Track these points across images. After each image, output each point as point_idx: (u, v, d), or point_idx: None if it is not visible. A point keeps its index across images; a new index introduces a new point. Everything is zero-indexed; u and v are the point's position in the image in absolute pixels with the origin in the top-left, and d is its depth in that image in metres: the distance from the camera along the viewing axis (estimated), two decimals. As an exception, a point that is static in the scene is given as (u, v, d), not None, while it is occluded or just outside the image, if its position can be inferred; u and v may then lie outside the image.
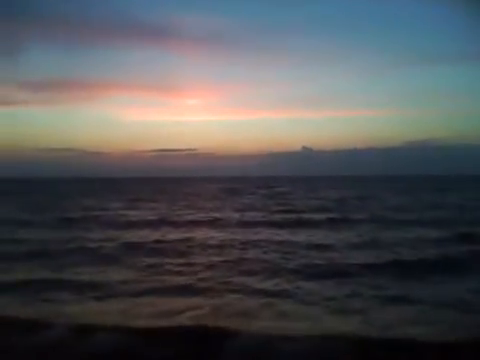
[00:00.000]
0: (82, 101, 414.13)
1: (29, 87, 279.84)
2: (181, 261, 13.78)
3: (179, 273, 12.17)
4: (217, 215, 28.26)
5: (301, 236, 18.80)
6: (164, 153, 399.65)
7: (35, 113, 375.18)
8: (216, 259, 13.96)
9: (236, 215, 28.42)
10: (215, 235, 19.39)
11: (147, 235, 19.53)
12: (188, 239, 18.21)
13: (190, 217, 27.52)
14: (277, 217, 26.73)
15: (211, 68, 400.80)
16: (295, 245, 16.52)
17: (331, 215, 26.39)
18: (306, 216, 26.67)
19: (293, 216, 26.54)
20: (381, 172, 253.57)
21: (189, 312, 8.58)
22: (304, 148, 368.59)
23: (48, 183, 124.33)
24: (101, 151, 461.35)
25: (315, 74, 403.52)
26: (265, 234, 19.70)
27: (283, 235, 19.24)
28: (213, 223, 24.20)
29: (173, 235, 19.52)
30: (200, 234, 19.83)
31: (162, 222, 24.59)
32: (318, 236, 18.76)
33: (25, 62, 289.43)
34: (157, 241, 17.68)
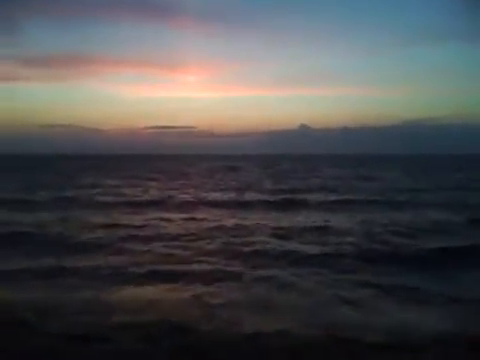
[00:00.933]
0: (82, 77, 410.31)
1: (29, 63, 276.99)
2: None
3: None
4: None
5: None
6: (163, 130, 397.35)
7: (35, 89, 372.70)
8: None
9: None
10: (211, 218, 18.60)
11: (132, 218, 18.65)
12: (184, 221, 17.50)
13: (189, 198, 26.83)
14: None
15: (211, 45, 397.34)
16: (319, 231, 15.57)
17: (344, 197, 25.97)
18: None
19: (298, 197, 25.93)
20: (378, 151, 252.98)
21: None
22: (302, 126, 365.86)
23: (47, 159, 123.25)
24: (100, 128, 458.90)
25: (314, 52, 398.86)
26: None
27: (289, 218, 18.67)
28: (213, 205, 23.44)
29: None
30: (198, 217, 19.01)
31: (157, 203, 23.96)
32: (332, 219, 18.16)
33: (25, 38, 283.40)
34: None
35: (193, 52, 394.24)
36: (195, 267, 10.58)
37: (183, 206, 22.67)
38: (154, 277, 9.66)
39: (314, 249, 12.40)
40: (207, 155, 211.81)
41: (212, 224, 16.72)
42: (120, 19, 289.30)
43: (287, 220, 17.96)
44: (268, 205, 22.93)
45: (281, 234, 14.65)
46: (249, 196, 27.09)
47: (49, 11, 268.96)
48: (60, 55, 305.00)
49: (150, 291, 8.80)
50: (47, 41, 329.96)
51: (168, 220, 17.83)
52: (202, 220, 17.82)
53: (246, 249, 12.42)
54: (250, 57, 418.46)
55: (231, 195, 27.87)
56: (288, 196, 26.20)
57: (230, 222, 17.14)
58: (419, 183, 36.41)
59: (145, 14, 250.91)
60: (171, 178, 45.38)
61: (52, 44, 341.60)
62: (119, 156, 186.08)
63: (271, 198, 25.62)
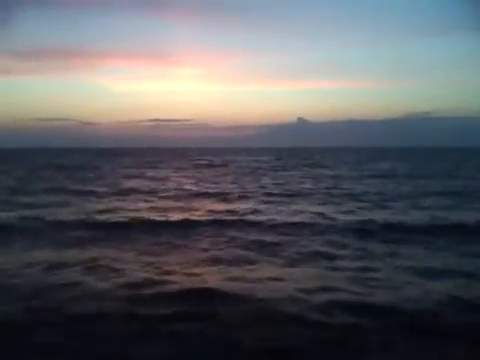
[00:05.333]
0: (77, 71, 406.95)
1: (23, 56, 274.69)
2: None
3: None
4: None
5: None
6: (160, 123, 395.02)
7: (29, 83, 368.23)
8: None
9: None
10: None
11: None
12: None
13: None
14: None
15: (208, 38, 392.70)
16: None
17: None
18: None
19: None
20: (380, 144, 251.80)
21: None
22: (299, 119, 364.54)
23: (44, 153, 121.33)
24: (96, 121, 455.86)
25: (313, 44, 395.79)
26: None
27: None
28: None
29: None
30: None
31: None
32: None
33: (19, 32, 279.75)
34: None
35: (190, 45, 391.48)
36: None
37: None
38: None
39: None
40: (205, 148, 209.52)
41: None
42: (116, 12, 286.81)
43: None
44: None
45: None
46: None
47: (42, 4, 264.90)
48: (54, 48, 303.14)
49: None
50: (41, 34, 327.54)
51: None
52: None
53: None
54: (248, 50, 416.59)
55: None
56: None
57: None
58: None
59: (142, 6, 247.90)
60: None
61: (46, 37, 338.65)
62: (116, 149, 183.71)
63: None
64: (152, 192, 23.46)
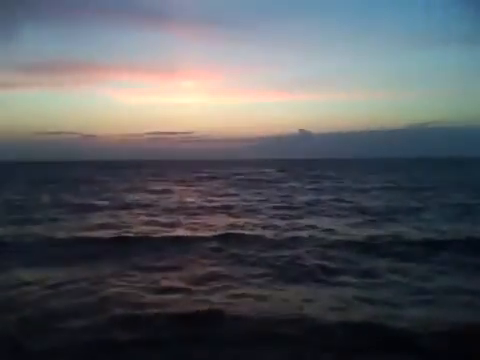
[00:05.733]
0: (80, 84, 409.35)
1: (27, 70, 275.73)
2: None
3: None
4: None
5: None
6: (160, 136, 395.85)
7: (33, 96, 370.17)
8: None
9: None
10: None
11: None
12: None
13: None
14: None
15: (208, 50, 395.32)
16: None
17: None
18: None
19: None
20: (382, 155, 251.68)
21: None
22: (301, 131, 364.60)
23: (46, 166, 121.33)
24: (98, 134, 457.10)
25: (314, 57, 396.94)
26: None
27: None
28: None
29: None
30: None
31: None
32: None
33: (24, 45, 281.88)
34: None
35: (192, 58, 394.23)
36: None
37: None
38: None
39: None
40: (206, 161, 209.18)
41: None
42: (119, 26, 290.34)
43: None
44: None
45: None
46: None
47: (47, 18, 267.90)
48: (59, 62, 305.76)
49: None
50: (46, 48, 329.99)
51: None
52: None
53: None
54: (249, 63, 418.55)
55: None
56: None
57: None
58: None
59: (144, 21, 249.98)
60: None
61: (51, 51, 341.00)
62: (121, 162, 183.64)
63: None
64: (153, 205, 23.08)
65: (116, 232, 14.66)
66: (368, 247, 12.17)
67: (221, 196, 28.65)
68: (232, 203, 23.86)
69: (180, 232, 14.91)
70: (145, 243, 13.02)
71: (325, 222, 16.78)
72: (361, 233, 14.21)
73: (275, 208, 21.53)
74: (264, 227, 15.75)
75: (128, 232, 14.74)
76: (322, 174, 60.91)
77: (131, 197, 27.91)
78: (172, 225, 16.49)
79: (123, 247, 12.41)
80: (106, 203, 24.07)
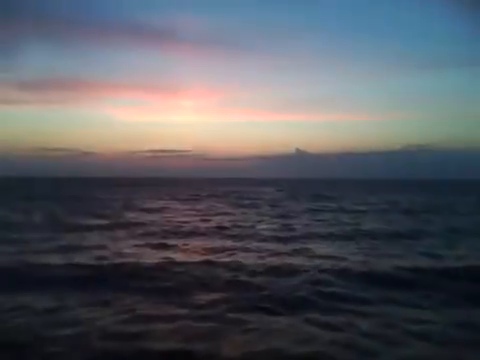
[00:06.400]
0: (78, 101, 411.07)
1: (25, 87, 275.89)
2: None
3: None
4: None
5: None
6: (159, 154, 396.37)
7: (31, 113, 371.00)
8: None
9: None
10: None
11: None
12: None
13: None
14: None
15: (207, 70, 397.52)
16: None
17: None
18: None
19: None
20: (378, 175, 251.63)
21: None
22: (297, 150, 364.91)
23: (45, 182, 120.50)
24: (97, 151, 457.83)
25: (311, 78, 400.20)
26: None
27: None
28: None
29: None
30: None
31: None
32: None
33: (23, 62, 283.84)
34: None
35: (189, 77, 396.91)
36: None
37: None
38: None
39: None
40: (203, 179, 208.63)
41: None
42: (117, 44, 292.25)
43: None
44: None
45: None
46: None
47: (49, 37, 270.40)
48: (57, 79, 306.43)
49: None
50: (44, 65, 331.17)
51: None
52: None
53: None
54: (247, 83, 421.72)
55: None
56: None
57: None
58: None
59: (142, 39, 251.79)
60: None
61: (49, 68, 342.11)
62: (120, 179, 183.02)
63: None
64: (145, 225, 22.22)
65: (81, 257, 13.34)
66: (369, 276, 11.30)
67: (216, 215, 27.84)
68: (227, 224, 22.99)
69: (162, 256, 13.89)
70: (111, 271, 11.75)
71: (323, 246, 15.93)
72: (361, 259, 13.36)
73: (270, 230, 20.69)
74: (254, 252, 14.86)
75: (100, 258, 13.24)
76: (320, 194, 60.19)
77: (123, 216, 27.03)
78: (158, 247, 15.63)
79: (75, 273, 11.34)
80: (97, 222, 23.16)
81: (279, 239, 17.85)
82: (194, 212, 30.32)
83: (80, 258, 13.16)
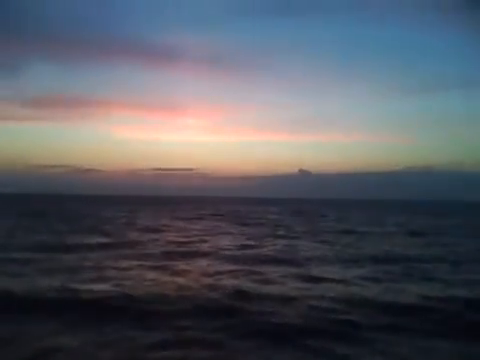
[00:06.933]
0: (81, 119, 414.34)
1: (29, 104, 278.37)
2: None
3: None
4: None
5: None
6: (162, 172, 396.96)
7: (34, 129, 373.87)
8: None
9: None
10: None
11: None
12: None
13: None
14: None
15: (210, 89, 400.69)
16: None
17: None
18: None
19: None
20: (382, 196, 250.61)
21: None
22: (301, 171, 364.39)
23: (45, 199, 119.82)
24: (98, 168, 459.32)
25: (314, 98, 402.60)
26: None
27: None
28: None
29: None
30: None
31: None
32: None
33: (27, 79, 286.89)
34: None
35: (192, 96, 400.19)
36: None
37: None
38: None
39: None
40: (207, 197, 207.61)
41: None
42: (119, 62, 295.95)
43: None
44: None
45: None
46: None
47: (48, 53, 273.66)
48: (59, 97, 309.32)
49: None
50: (47, 83, 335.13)
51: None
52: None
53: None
54: (250, 102, 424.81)
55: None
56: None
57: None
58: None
59: (146, 57, 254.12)
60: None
61: (52, 86, 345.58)
62: (121, 197, 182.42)
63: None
64: (140, 245, 21.25)
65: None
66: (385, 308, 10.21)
67: (218, 235, 26.86)
68: (229, 245, 22.00)
69: (160, 280, 12.88)
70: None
71: (332, 272, 14.89)
72: (376, 290, 12.32)
73: (275, 251, 19.68)
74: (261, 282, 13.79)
75: (62, 289, 11.17)
76: (324, 214, 59.15)
77: (116, 235, 25.97)
78: (155, 268, 14.59)
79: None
80: (90, 241, 22.13)
81: (283, 262, 16.85)
82: (196, 232, 29.34)
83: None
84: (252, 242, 23.48)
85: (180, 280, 12.88)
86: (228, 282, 12.67)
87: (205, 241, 23.65)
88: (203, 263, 16.36)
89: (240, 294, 11.01)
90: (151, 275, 13.59)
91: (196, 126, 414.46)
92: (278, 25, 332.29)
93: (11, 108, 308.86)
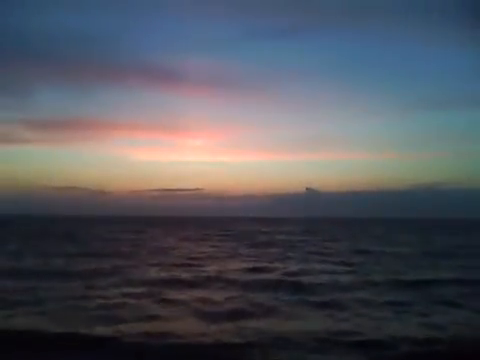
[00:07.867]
0: (88, 140, 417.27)
1: (36, 126, 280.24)
2: None
3: None
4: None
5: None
6: (169, 193, 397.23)
7: (41, 151, 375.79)
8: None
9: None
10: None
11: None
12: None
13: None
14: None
15: (216, 110, 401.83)
16: None
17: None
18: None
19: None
20: (389, 215, 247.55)
21: None
22: (308, 190, 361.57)
23: (55, 221, 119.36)
24: (108, 190, 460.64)
25: (320, 117, 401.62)
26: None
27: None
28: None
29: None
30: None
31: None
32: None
33: (32, 101, 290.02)
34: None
35: (199, 117, 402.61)
36: None
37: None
38: None
39: None
40: (216, 218, 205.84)
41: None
42: (127, 85, 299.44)
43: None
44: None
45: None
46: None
47: (58, 75, 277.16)
48: (66, 118, 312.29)
49: None
50: (53, 105, 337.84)
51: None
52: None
53: None
54: (257, 123, 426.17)
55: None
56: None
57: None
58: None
59: (152, 80, 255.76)
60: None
61: (61, 108, 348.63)
62: (126, 218, 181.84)
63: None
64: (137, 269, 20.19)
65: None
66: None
67: (228, 258, 25.72)
68: (239, 269, 20.88)
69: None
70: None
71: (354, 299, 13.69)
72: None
73: (288, 275, 18.53)
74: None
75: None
76: (336, 234, 57.75)
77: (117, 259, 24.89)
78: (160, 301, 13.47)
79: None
80: (86, 266, 21.00)
81: (301, 289, 15.62)
82: (205, 254, 28.25)
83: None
84: (263, 264, 22.37)
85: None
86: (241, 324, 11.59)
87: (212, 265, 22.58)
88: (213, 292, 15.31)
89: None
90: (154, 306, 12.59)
91: (203, 147, 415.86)
92: (281, 47, 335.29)
93: (20, 130, 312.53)
